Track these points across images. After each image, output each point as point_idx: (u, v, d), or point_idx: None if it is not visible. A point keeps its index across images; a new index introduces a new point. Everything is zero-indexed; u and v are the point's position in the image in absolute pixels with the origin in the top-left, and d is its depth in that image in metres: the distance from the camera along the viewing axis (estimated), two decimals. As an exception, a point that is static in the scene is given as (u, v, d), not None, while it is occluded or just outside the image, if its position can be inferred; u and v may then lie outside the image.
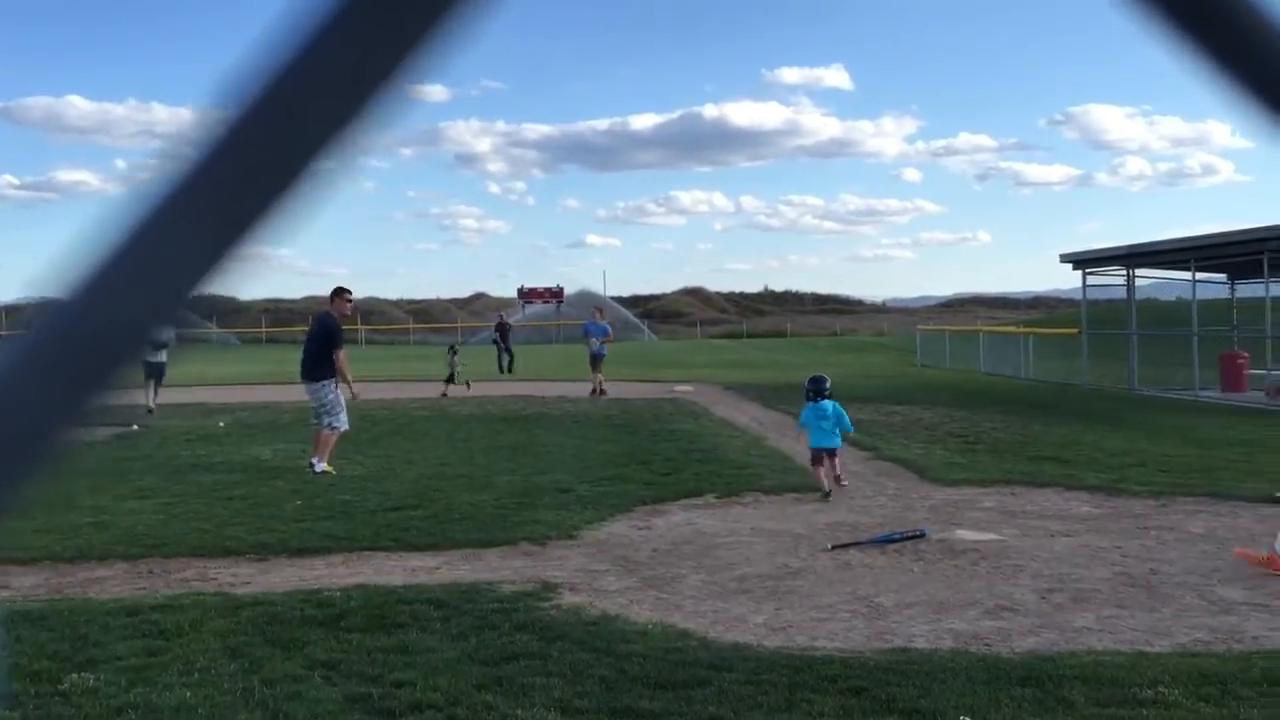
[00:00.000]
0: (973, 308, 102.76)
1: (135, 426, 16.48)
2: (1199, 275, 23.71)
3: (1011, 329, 37.22)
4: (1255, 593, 6.58)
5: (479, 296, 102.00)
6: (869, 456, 12.63)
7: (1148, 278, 26.29)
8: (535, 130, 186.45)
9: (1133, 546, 7.88)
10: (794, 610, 6.35)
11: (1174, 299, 32.30)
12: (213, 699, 4.87)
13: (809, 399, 10.65)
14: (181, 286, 0.42)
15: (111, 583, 7.11)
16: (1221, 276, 25.15)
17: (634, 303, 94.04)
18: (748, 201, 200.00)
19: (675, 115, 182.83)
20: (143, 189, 0.42)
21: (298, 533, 8.50)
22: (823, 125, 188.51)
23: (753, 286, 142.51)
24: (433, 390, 23.20)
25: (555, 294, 75.59)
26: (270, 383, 25.77)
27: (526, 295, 75.25)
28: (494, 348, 35.07)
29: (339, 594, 6.60)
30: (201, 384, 25.14)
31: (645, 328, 76.73)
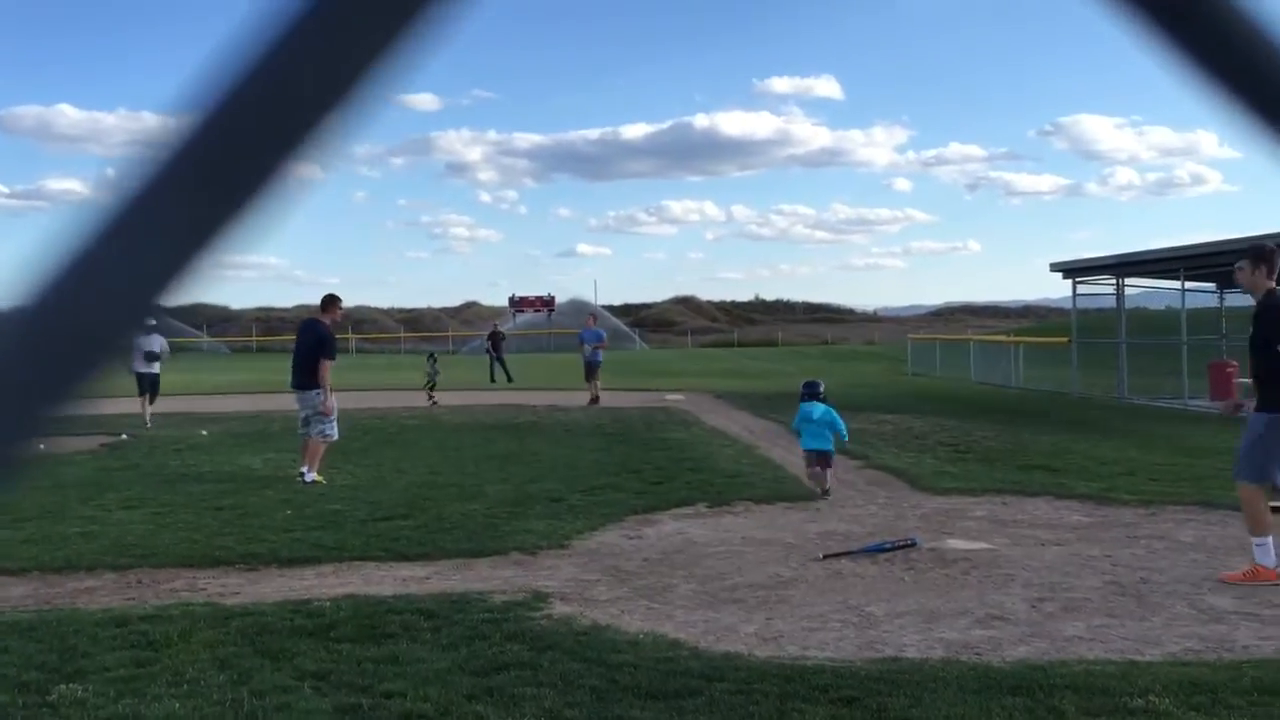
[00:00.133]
0: (963, 316, 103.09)
1: (124, 436, 16.43)
2: (1188, 284, 23.78)
3: (1002, 338, 37.27)
4: (1245, 601, 6.60)
5: (470, 305, 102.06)
6: (860, 465, 12.64)
7: (1137, 287, 26.38)
8: (526, 139, 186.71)
9: (1123, 555, 7.89)
10: (785, 620, 6.34)
11: (1163, 308, 32.37)
12: (201, 710, 4.85)
13: (801, 399, 10.91)
14: (150, 292, 0.41)
15: (100, 593, 7.07)
16: (1210, 286, 25.24)
17: (625, 311, 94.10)
18: (739, 211, 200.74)
19: (666, 125, 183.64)
20: (109, 193, 0.42)
21: (287, 543, 8.47)
22: (813, 135, 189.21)
23: (744, 295, 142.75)
24: (424, 399, 23.17)
25: (546, 303, 75.63)
26: (260, 392, 25.72)
27: (518, 304, 75.27)
28: (486, 357, 35.04)
29: (329, 604, 6.58)
30: (191, 393, 25.07)
31: (636, 336, 76.73)
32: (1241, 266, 7.43)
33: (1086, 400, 23.51)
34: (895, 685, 5.03)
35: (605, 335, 24.69)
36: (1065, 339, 27.28)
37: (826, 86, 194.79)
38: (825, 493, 10.50)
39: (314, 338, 12.13)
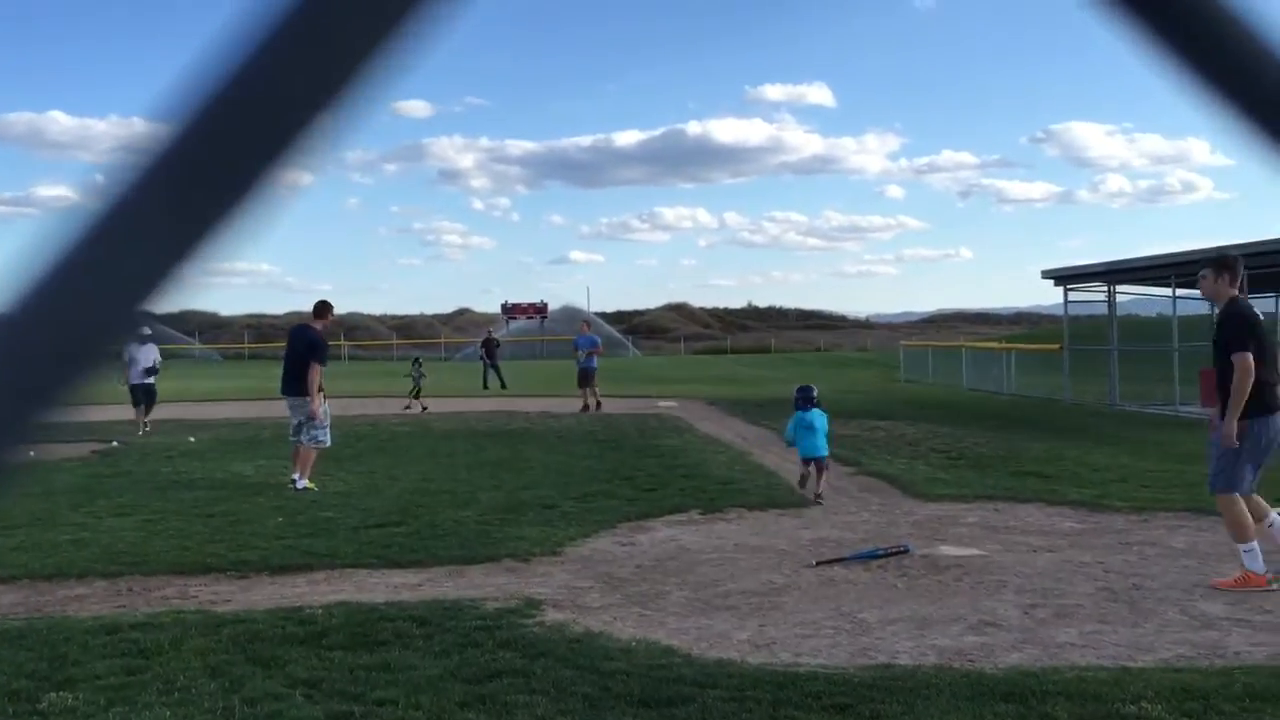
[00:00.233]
0: (955, 323, 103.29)
1: (115, 443, 16.39)
2: (1179, 291, 23.83)
3: (994, 345, 37.35)
4: (1237, 608, 6.61)
5: (463, 312, 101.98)
6: (852, 472, 12.64)
7: (1129, 294, 26.43)
8: (519, 146, 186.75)
9: (1115, 562, 7.90)
10: (778, 627, 6.34)
11: (1155, 315, 32.47)
12: (193, 718, 4.83)
13: (797, 408, 10.83)
14: (137, 298, 0.41)
15: (90, 601, 7.05)
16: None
17: (618, 318, 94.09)
18: (731, 218, 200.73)
19: (659, 132, 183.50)
20: (96, 199, 0.41)
21: (279, 550, 8.45)
22: (806, 142, 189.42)
23: (737, 302, 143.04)
24: (413, 405, 23.14)
25: (539, 310, 75.58)
26: (252, 399, 25.67)
27: (510, 311, 75.22)
28: (480, 364, 34.99)
29: (320, 611, 6.56)
30: (183, 400, 25.00)
31: (629, 343, 76.72)
32: (1205, 275, 7.52)
33: (1078, 407, 23.56)
34: (888, 692, 5.03)
35: (599, 341, 24.68)
36: (1057, 346, 27.34)
37: (819, 94, 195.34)
38: (818, 498, 10.49)
39: (305, 343, 12.11)
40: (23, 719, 4.83)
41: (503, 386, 31.71)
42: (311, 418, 11.88)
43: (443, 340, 77.61)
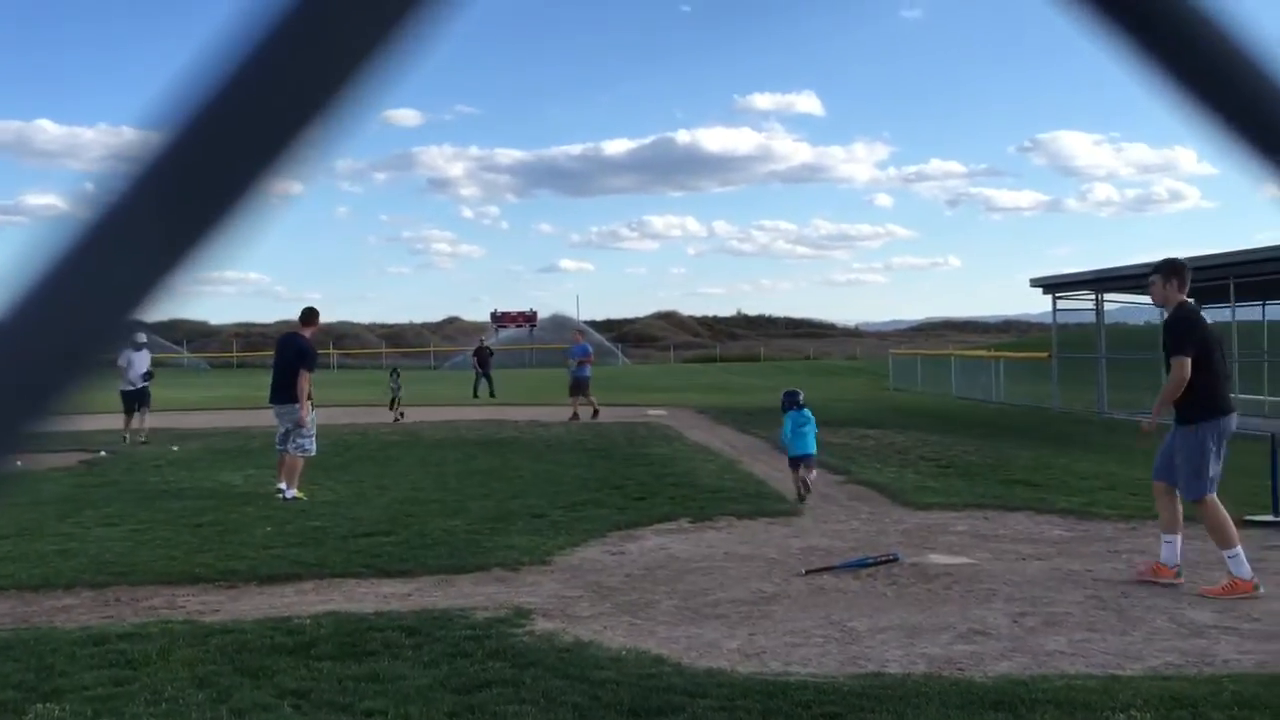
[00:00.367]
0: (944, 331, 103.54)
1: (103, 453, 16.32)
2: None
3: (982, 353, 37.43)
4: (1225, 615, 6.63)
5: (452, 320, 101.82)
6: (842, 480, 12.65)
7: (1116, 302, 26.55)
8: (508, 155, 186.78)
9: (1104, 570, 7.92)
10: (768, 636, 6.34)
11: (1142, 323, 32.59)
12: (180, 729, 4.80)
13: (788, 409, 10.90)
14: (126, 307, 0.41)
15: (78, 611, 7.01)
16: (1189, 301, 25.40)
17: (607, 327, 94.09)
18: (720, 226, 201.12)
19: (648, 140, 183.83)
20: (85, 207, 0.41)
21: (267, 559, 8.42)
22: (794, 151, 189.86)
23: (726, 310, 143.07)
24: (391, 417, 23.09)
25: (528, 318, 75.53)
26: (241, 408, 25.61)
27: (500, 319, 75.14)
28: (471, 373, 34.92)
29: (309, 621, 6.54)
30: (171, 409, 24.91)
31: (618, 352, 76.72)
32: (1153, 281, 7.60)
33: (1067, 415, 23.62)
34: (878, 701, 5.03)
35: (591, 350, 24.72)
36: (1045, 354, 27.44)
37: (807, 103, 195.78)
38: (808, 489, 10.60)
39: (294, 351, 12.08)
40: (9, 730, 4.80)
41: (491, 395, 31.66)
42: (300, 425, 11.87)
43: (432, 349, 77.55)
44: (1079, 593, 7.24)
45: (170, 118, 0.41)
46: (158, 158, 0.41)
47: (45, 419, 0.41)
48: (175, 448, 17.26)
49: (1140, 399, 23.22)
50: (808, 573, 7.90)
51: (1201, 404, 7.27)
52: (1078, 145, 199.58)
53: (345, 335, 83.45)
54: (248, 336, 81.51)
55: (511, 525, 9.82)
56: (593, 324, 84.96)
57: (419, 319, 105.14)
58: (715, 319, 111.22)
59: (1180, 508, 7.47)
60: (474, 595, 7.30)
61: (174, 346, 71.36)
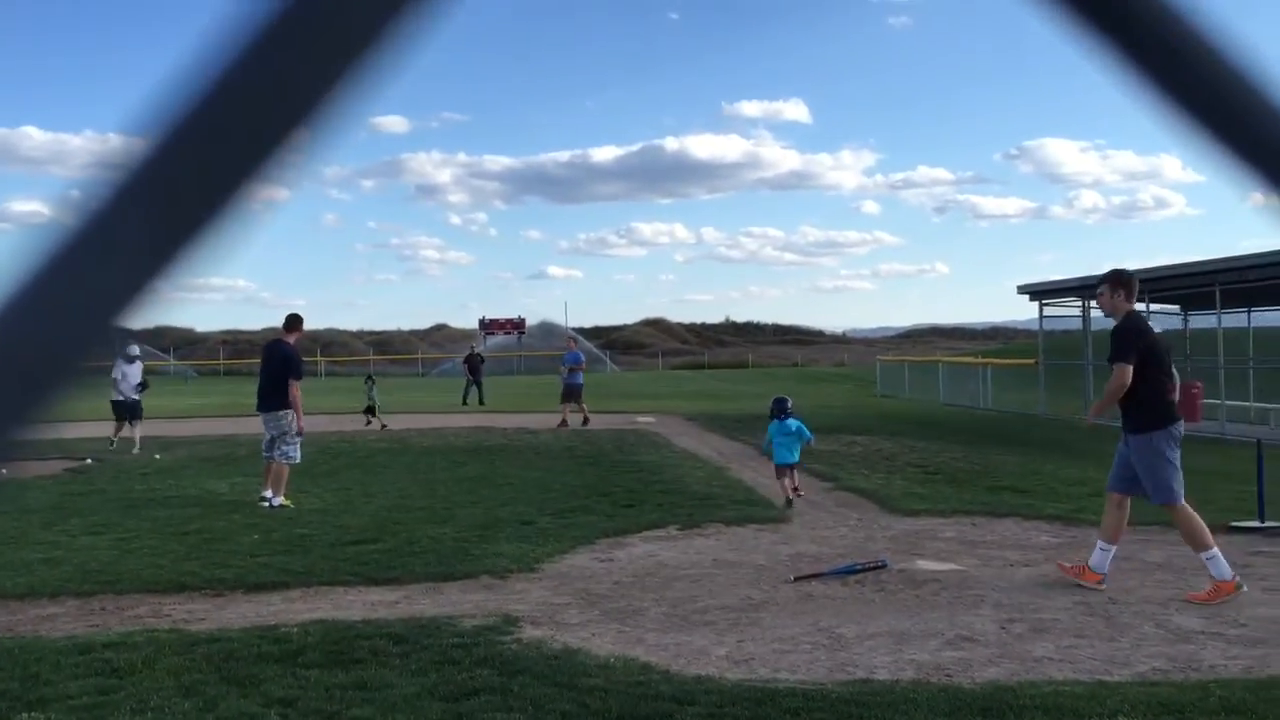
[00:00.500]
0: (931, 338, 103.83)
1: (88, 460, 16.25)
2: (1152, 306, 24.05)
3: (970, 359, 37.54)
4: (1212, 621, 6.65)
5: (440, 327, 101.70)
6: (830, 487, 12.66)
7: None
8: (496, 162, 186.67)
9: (1091, 576, 7.93)
10: (756, 642, 6.33)
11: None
12: (166, 738, 4.78)
13: (773, 418, 11.49)
14: (109, 314, 0.41)
15: (63, 620, 6.97)
16: (1175, 308, 25.54)
17: (595, 334, 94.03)
18: (708, 233, 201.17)
19: (636, 147, 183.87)
20: (68, 214, 0.41)
21: (254, 567, 8.39)
22: (782, 158, 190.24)
23: (714, 317, 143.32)
24: (393, 423, 23.05)
25: (517, 325, 75.50)
26: (227, 415, 25.52)
27: (488, 326, 75.09)
28: (462, 379, 34.85)
29: (296, 630, 6.51)
30: (157, 417, 24.80)
31: (607, 359, 76.69)
32: (1102, 291, 7.73)
33: (1054, 421, 23.68)
34: (866, 707, 5.03)
35: (583, 358, 24.78)
36: (1032, 360, 27.52)
37: (795, 110, 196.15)
38: (796, 494, 11.17)
39: (280, 358, 12.06)
40: (-7, 740, 4.77)
41: (481, 403, 31.61)
42: (299, 433, 11.94)
43: (420, 356, 77.43)
44: (1066, 599, 7.26)
45: (155, 123, 0.41)
46: (142, 163, 0.41)
47: (28, 427, 0.41)
48: (158, 455, 17.17)
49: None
50: (796, 579, 7.90)
51: (1151, 412, 7.40)
52: (1064, 153, 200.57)
53: (333, 342, 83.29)
54: (235, 344, 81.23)
55: (500, 533, 9.80)
56: (581, 331, 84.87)
57: (407, 326, 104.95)
58: (704, 326, 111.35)
59: (1124, 520, 7.61)
60: (462, 603, 7.28)
61: (160, 354, 71.10)
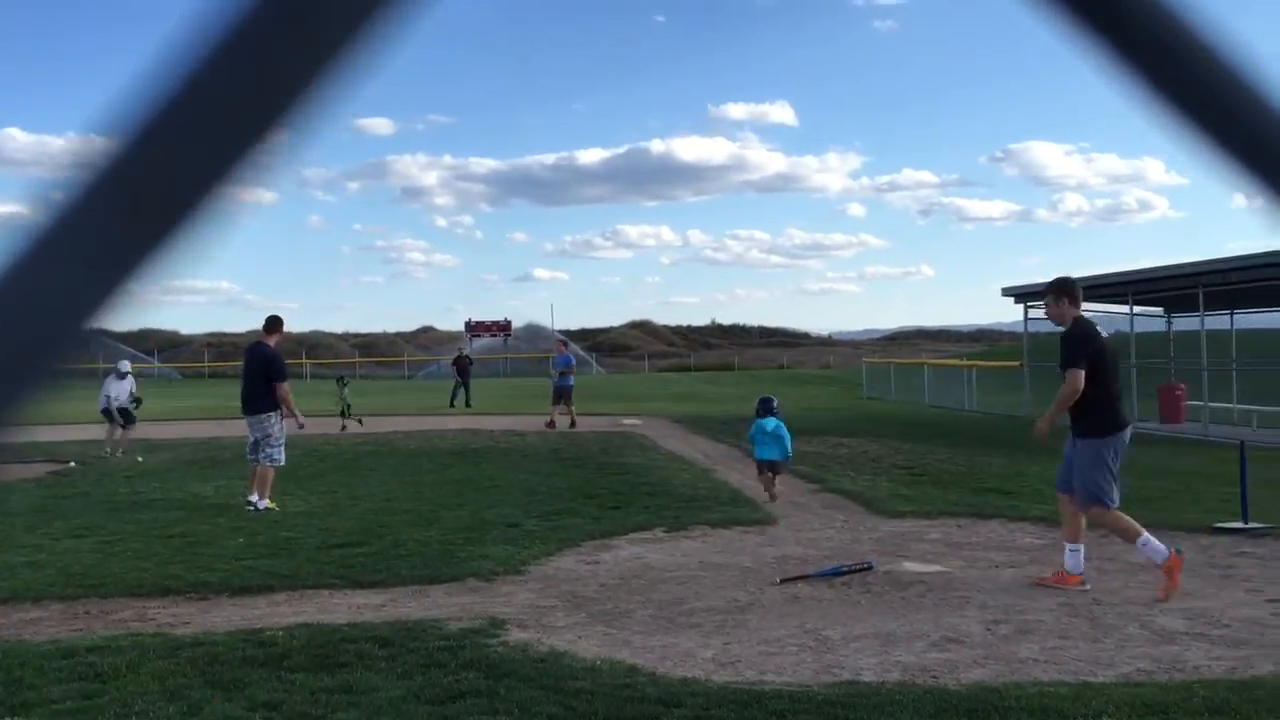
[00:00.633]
0: (917, 340, 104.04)
1: (72, 464, 16.16)
2: (1136, 309, 24.17)
3: (955, 362, 37.66)
4: (1196, 622, 6.68)
5: (426, 330, 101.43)
6: (816, 489, 12.68)
7: (1087, 311, 26.70)
8: (482, 164, 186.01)
9: (1076, 577, 7.96)
10: (742, 644, 6.34)
11: (1112, 332, 32.88)
12: (150, 743, 4.75)
13: (757, 415, 12.05)
14: (75, 318, 0.40)
15: (46, 624, 6.93)
16: (1158, 310, 25.67)
17: (582, 336, 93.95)
18: (695, 235, 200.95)
19: (622, 150, 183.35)
20: (42, 214, 0.40)
21: (239, 571, 8.35)
22: (768, 161, 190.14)
23: (700, 320, 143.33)
24: (377, 425, 22.98)
25: (503, 327, 75.39)
26: (212, 418, 25.42)
27: (474, 329, 74.95)
28: (450, 382, 34.75)
29: (281, 633, 6.48)
30: (142, 419, 24.66)
31: (593, 361, 76.65)
32: (1048, 301, 7.90)
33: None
34: (852, 709, 5.04)
35: (574, 360, 24.87)
36: (1017, 363, 27.61)
37: (781, 113, 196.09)
38: (773, 498, 11.55)
39: (262, 360, 12.02)
40: (-25, 746, 4.74)
41: (468, 405, 31.54)
42: (301, 426, 12.33)
43: (406, 358, 77.25)
44: (1051, 600, 7.28)
45: (124, 122, 0.41)
46: (111, 163, 0.40)
47: (1, 430, 0.40)
48: (140, 458, 17.08)
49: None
50: (782, 581, 7.91)
51: (1100, 418, 7.53)
52: (1049, 156, 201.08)
53: (318, 345, 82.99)
54: (219, 346, 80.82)
55: (486, 535, 9.78)
56: (567, 333, 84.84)
57: (393, 328, 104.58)
58: (690, 328, 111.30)
59: (1082, 518, 7.65)
60: (448, 606, 7.26)
61: (144, 357, 70.78)
